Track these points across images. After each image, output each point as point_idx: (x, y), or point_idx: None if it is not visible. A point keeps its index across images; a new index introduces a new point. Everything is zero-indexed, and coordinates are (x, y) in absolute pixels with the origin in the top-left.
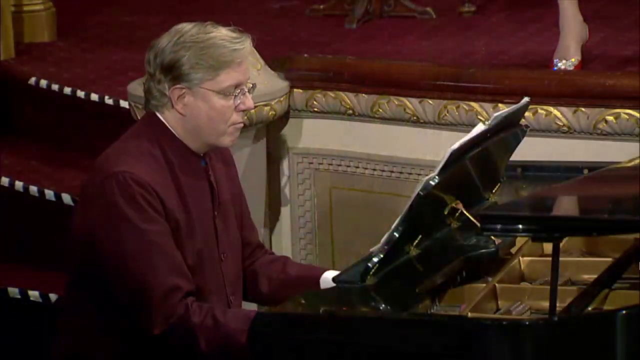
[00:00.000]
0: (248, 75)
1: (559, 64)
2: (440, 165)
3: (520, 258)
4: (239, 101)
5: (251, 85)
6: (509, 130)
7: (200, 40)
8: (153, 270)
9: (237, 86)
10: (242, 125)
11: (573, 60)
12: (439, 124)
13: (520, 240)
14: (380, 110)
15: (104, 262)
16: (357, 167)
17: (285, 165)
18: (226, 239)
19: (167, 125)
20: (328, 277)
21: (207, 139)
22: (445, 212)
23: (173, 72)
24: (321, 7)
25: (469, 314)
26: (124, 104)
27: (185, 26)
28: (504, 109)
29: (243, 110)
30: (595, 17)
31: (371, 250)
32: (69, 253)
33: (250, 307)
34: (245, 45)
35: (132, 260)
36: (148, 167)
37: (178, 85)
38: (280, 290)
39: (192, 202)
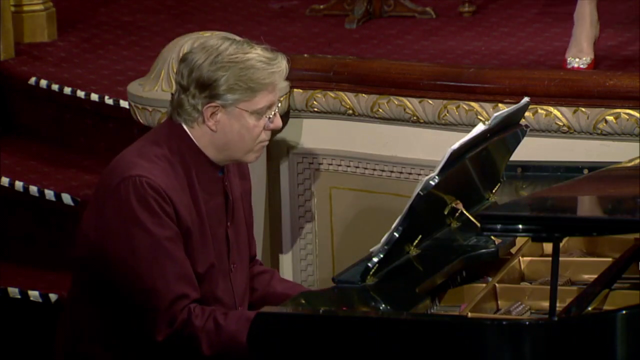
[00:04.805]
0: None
1: (573, 63)
2: (440, 165)
3: (520, 258)
4: (269, 121)
5: (280, 105)
6: (509, 130)
7: (239, 61)
8: (162, 276)
9: (270, 107)
10: (267, 142)
11: (585, 58)
12: (439, 124)
13: (520, 240)
14: (380, 110)
15: (113, 263)
16: (357, 167)
17: (285, 165)
18: (236, 250)
19: (192, 137)
20: None
21: (234, 155)
22: (445, 212)
23: (209, 90)
24: (321, 7)
25: (469, 314)
26: (124, 104)
27: (222, 43)
28: (504, 109)
29: (271, 130)
30: None
31: (371, 250)
32: (78, 251)
33: None
34: (281, 67)
35: (141, 264)
36: (164, 173)
37: (213, 103)
38: (262, 304)
39: (206, 211)
